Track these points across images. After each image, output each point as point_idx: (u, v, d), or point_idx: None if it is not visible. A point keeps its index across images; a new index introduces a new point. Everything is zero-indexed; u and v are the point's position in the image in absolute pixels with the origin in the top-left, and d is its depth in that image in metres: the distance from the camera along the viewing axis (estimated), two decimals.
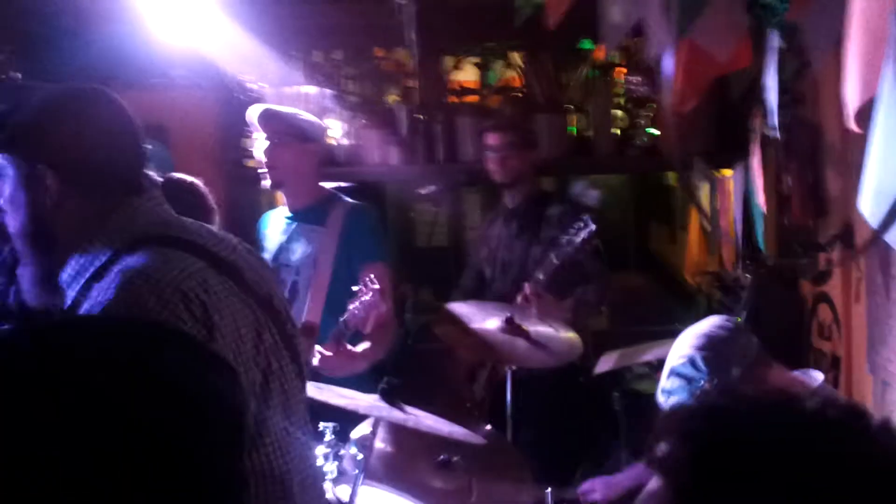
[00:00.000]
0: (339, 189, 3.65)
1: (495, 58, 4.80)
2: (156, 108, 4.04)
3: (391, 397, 2.63)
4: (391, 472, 2.90)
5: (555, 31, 2.35)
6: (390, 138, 4.55)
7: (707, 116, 4.24)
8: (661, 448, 1.01)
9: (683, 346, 2.39)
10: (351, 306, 3.10)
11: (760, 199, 3.01)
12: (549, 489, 2.93)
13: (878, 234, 1.58)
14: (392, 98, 4.81)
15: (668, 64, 2.32)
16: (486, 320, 3.44)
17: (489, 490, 2.94)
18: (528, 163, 3.98)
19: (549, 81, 4.58)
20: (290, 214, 3.53)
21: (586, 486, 3.07)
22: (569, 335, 3.43)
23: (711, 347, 2.35)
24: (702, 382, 2.31)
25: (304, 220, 3.48)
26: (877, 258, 2.88)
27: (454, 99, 4.73)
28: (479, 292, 4.07)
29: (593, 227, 3.44)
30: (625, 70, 4.72)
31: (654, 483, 1.02)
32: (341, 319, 3.12)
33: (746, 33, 2.23)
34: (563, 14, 2.23)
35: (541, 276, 3.59)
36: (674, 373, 2.37)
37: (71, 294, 1.73)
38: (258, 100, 4.45)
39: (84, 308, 1.66)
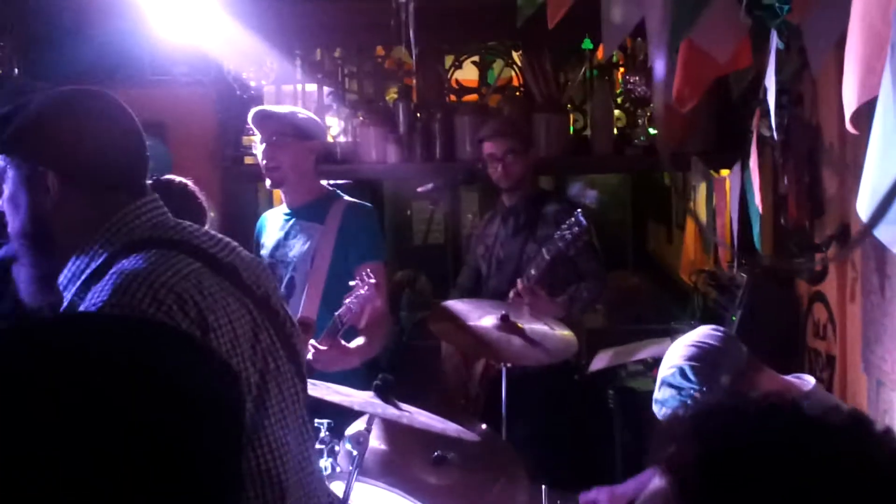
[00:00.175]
0: (337, 187, 3.66)
1: (495, 57, 4.81)
2: (156, 106, 4.04)
3: (386, 394, 2.64)
4: (386, 468, 2.90)
5: (555, 31, 2.34)
6: (389, 136, 4.55)
7: (706, 116, 4.25)
8: (669, 448, 1.02)
9: (673, 357, 2.41)
10: (347, 300, 3.11)
11: (757, 198, 3.02)
12: (544, 486, 2.94)
13: (868, 229, 1.58)
14: (391, 96, 4.81)
15: (665, 64, 2.33)
16: (481, 318, 3.44)
17: (483, 487, 2.94)
18: (529, 165, 3.99)
19: (548, 81, 4.58)
20: (288, 211, 3.54)
21: (590, 495, 3.06)
22: (564, 333, 3.44)
23: (701, 358, 2.37)
24: (692, 392, 2.33)
25: (303, 217, 3.49)
26: (872, 258, 2.89)
27: (453, 98, 4.74)
28: (476, 290, 4.08)
29: (584, 223, 3.45)
30: (624, 70, 4.73)
31: (658, 482, 1.02)
32: (336, 314, 3.14)
33: (746, 33, 2.24)
34: (564, 14, 2.23)
35: (533, 273, 3.61)
36: (665, 383, 2.39)
37: (68, 295, 1.74)
38: (258, 97, 4.46)
39: (80, 309, 1.67)
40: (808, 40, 2.00)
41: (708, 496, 0.97)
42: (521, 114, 4.53)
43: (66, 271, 1.74)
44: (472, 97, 4.79)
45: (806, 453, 0.98)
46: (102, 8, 4.22)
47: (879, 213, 1.43)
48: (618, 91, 4.72)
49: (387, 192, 6.42)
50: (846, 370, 3.20)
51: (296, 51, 4.62)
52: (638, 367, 3.98)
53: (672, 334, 2.86)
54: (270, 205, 4.39)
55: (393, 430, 2.98)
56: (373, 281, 3.11)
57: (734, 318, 3.57)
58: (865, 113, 1.66)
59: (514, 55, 4.75)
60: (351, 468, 2.55)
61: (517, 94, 4.72)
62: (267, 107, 3.72)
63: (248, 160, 4.51)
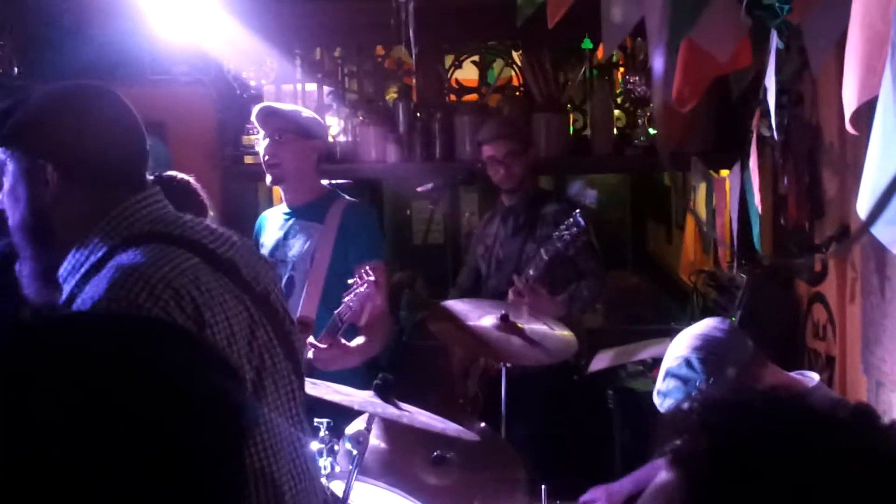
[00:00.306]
0: (337, 186, 3.66)
1: (495, 56, 4.81)
2: (156, 105, 4.04)
3: (385, 393, 2.64)
4: (385, 468, 2.90)
5: (555, 31, 2.34)
6: (389, 136, 4.55)
7: (706, 116, 4.25)
8: (677, 441, 1.02)
9: (679, 348, 2.40)
10: (346, 298, 3.11)
11: (757, 199, 3.02)
12: (544, 486, 2.94)
13: (865, 226, 1.58)
14: (391, 96, 4.81)
15: (665, 63, 2.32)
16: (481, 317, 3.44)
17: (483, 487, 2.94)
18: (529, 165, 3.99)
19: (548, 81, 4.58)
20: (288, 210, 3.54)
21: (588, 495, 3.06)
22: (564, 333, 3.44)
23: (707, 348, 2.36)
24: (698, 383, 2.32)
25: (303, 217, 3.49)
26: (872, 259, 2.89)
27: (453, 97, 4.74)
28: (476, 290, 4.08)
29: (583, 223, 3.45)
30: (624, 70, 4.73)
31: (665, 476, 1.02)
32: (336, 312, 3.13)
33: (746, 33, 2.23)
34: (564, 13, 2.23)
35: (531, 272, 3.61)
36: (669, 374, 2.38)
37: (67, 288, 1.74)
38: (258, 97, 4.47)
39: (78, 302, 1.67)
40: (808, 40, 2.00)
41: (717, 488, 0.97)
42: (521, 113, 4.53)
43: (65, 264, 1.74)
44: (472, 97, 4.79)
45: (815, 446, 0.98)
46: (102, 8, 4.22)
47: (877, 212, 1.43)
48: (618, 91, 4.72)
49: (386, 192, 6.42)
50: (846, 371, 3.20)
51: (296, 50, 4.62)
52: (638, 368, 3.99)
53: (671, 335, 2.85)
54: (270, 204, 4.39)
55: (393, 429, 2.98)
56: (372, 278, 3.11)
57: (734, 319, 3.57)
58: (865, 113, 1.66)
59: (514, 55, 4.74)
60: (350, 467, 2.54)
61: (517, 93, 4.72)
62: (272, 104, 3.72)
63: (248, 159, 4.51)
